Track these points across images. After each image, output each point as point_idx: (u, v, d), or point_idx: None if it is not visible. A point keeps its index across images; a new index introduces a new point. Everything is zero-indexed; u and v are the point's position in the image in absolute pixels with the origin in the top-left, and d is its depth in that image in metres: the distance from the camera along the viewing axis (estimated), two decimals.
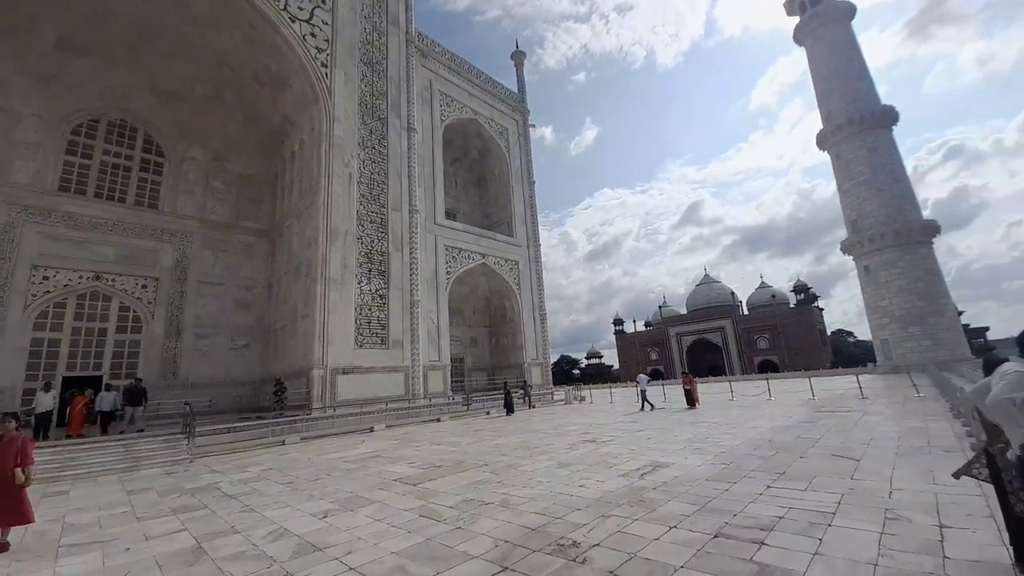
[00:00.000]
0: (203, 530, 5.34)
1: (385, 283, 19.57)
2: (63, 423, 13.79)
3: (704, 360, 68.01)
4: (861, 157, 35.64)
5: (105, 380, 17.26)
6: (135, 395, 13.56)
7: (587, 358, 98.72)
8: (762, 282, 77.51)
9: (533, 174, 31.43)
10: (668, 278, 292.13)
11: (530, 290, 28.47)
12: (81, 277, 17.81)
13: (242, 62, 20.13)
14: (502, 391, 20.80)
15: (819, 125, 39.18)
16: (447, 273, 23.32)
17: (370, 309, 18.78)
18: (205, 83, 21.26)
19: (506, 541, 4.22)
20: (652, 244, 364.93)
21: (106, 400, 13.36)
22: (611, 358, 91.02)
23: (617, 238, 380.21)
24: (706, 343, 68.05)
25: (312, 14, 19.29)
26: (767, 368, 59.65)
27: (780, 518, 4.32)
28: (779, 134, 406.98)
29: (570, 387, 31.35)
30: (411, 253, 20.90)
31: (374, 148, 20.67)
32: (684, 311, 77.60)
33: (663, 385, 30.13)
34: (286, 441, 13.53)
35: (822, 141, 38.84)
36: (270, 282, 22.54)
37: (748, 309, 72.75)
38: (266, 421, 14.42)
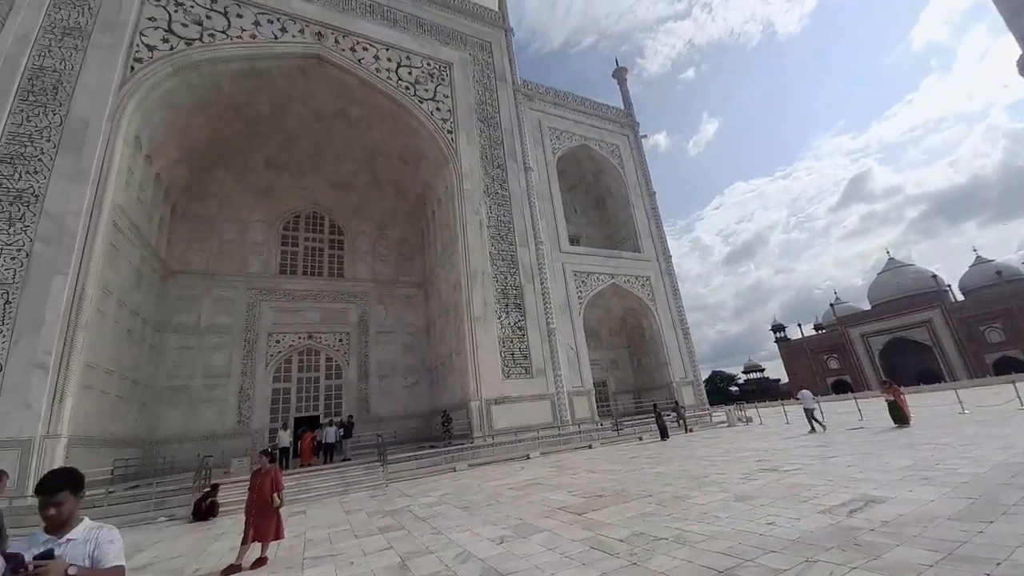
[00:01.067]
0: (404, 549, 6.17)
1: (522, 315, 20.66)
2: (296, 455, 17.55)
3: (909, 364, 54.26)
4: None
5: (321, 418, 21.64)
6: (348, 429, 16.89)
7: (745, 372, 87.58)
8: (978, 257, 59.53)
9: (652, 185, 30.26)
10: (835, 269, 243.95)
11: (667, 304, 26.88)
12: (299, 338, 22.97)
13: (389, 148, 24.32)
14: (651, 414, 19.73)
15: (1016, 50, 29.56)
16: (578, 298, 23.56)
17: (511, 341, 19.95)
18: (366, 172, 26.31)
19: None
20: (807, 233, 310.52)
21: (329, 434, 16.79)
22: (775, 370, 79.02)
23: (760, 234, 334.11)
24: (906, 343, 54.31)
25: (435, 92, 22.43)
26: (1008, 367, 44.76)
27: None
28: (961, 72, 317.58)
29: (731, 407, 28.06)
30: (542, 283, 21.76)
31: (497, 193, 22.51)
32: (867, 306, 63.64)
33: (855, 399, 24.82)
34: (456, 468, 14.93)
35: None
36: (427, 326, 25.74)
37: (963, 294, 56.32)
38: (438, 450, 16.20)
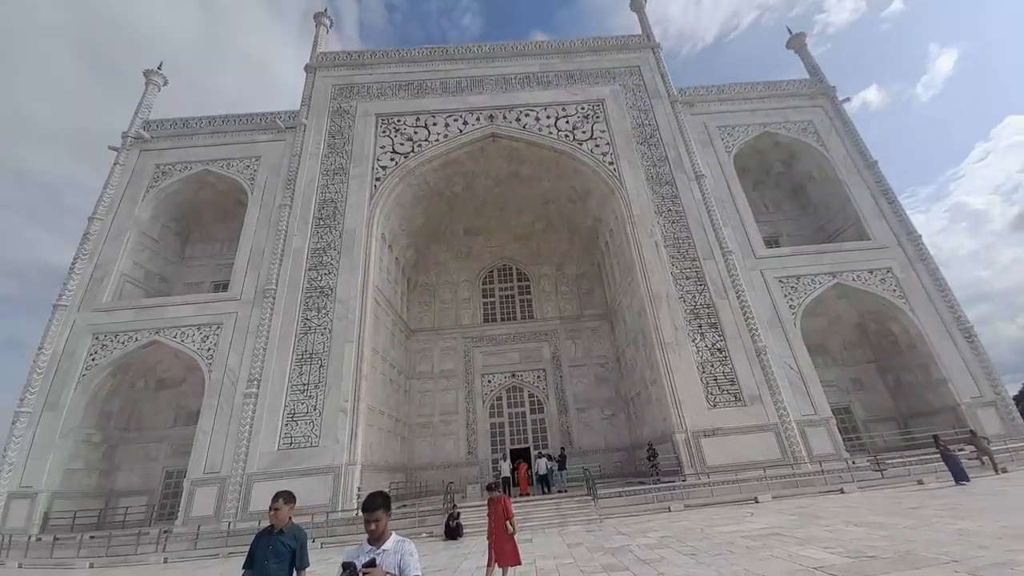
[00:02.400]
0: None
1: (719, 335, 18.81)
2: (515, 484, 19.45)
3: None
4: None
5: (531, 450, 23.72)
6: (562, 462, 18.17)
7: None
8: None
9: (870, 154, 24.23)
10: None
11: (927, 300, 20.40)
12: (505, 377, 26.17)
13: (558, 193, 26.32)
14: (933, 449, 14.94)
15: None
16: (790, 308, 20.07)
17: (712, 365, 18.28)
18: (540, 220, 29.03)
19: None
20: None
21: (541, 466, 18.26)
22: None
23: None
24: None
25: (592, 130, 23.53)
26: None
27: None
28: None
29: None
30: (738, 297, 19.51)
31: (669, 210, 21.63)
32: None
33: None
34: (671, 508, 14.14)
35: None
36: (617, 356, 25.85)
37: None
38: (649, 487, 15.70)
